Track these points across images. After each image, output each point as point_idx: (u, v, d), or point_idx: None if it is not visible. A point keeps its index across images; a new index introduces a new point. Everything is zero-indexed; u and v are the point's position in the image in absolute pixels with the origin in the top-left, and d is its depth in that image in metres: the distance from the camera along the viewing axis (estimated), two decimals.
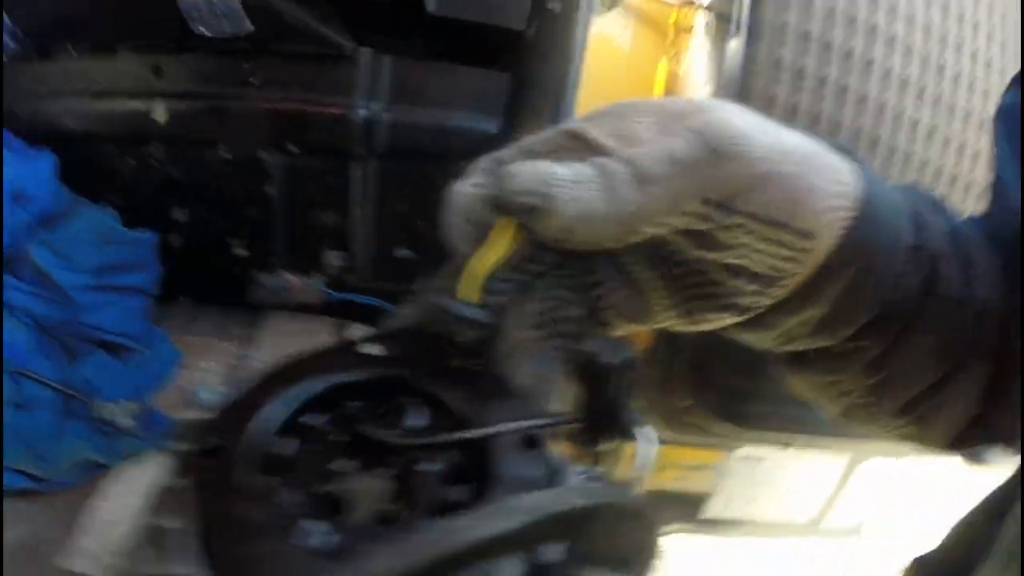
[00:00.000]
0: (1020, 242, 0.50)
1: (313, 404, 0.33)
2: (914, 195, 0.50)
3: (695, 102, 0.41)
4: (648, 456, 0.37)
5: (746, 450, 1.21)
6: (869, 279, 0.44)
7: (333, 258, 1.02)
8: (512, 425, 0.34)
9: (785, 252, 0.40)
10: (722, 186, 0.38)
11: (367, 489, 0.30)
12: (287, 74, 0.78)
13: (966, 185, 1.13)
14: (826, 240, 0.40)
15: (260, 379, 0.34)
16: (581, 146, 0.39)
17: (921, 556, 0.77)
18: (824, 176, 0.41)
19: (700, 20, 1.05)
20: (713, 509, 1.29)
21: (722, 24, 1.02)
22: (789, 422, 1.03)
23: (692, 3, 1.04)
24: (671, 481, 1.22)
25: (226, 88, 0.78)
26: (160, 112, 0.79)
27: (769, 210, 0.39)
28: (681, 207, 0.38)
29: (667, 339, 1.03)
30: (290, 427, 0.32)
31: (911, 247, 0.47)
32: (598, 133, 0.39)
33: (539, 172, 0.37)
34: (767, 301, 0.41)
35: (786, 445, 1.16)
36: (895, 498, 1.56)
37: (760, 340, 0.47)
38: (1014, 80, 0.57)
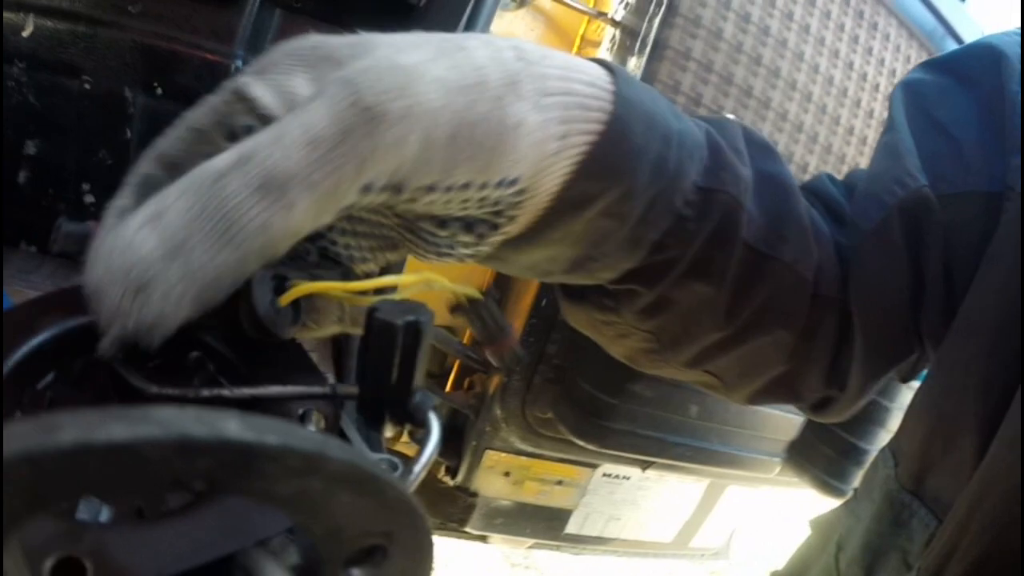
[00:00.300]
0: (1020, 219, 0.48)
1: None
2: (727, 132, 0.47)
3: (358, 37, 0.32)
4: (429, 445, 0.33)
5: (608, 468, 1.20)
6: (623, 221, 0.42)
7: None
8: (273, 390, 0.31)
9: (491, 207, 0.35)
10: (383, 165, 0.30)
11: None
12: (168, 10, 0.73)
13: None
14: (546, 182, 0.35)
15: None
16: (246, 109, 0.30)
17: (775, 572, 0.78)
18: (538, 102, 0.34)
19: (608, 35, 1.04)
20: (574, 524, 1.28)
21: (627, 41, 1.01)
22: (648, 444, 1.03)
23: (605, 15, 1.03)
24: (533, 495, 1.20)
25: (101, 12, 0.72)
26: (28, 27, 0.73)
27: (453, 175, 0.32)
28: (334, 206, 0.30)
29: (530, 349, 1.02)
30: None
31: (697, 188, 0.45)
32: (263, 91, 0.30)
33: (119, 263, 0.26)
34: (487, 249, 0.37)
35: (645, 467, 1.16)
36: (759, 522, 1.60)
37: (510, 271, 0.44)
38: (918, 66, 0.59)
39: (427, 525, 0.25)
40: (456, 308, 0.46)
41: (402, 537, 0.25)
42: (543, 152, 0.34)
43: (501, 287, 1.09)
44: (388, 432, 0.34)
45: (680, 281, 0.48)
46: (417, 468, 0.31)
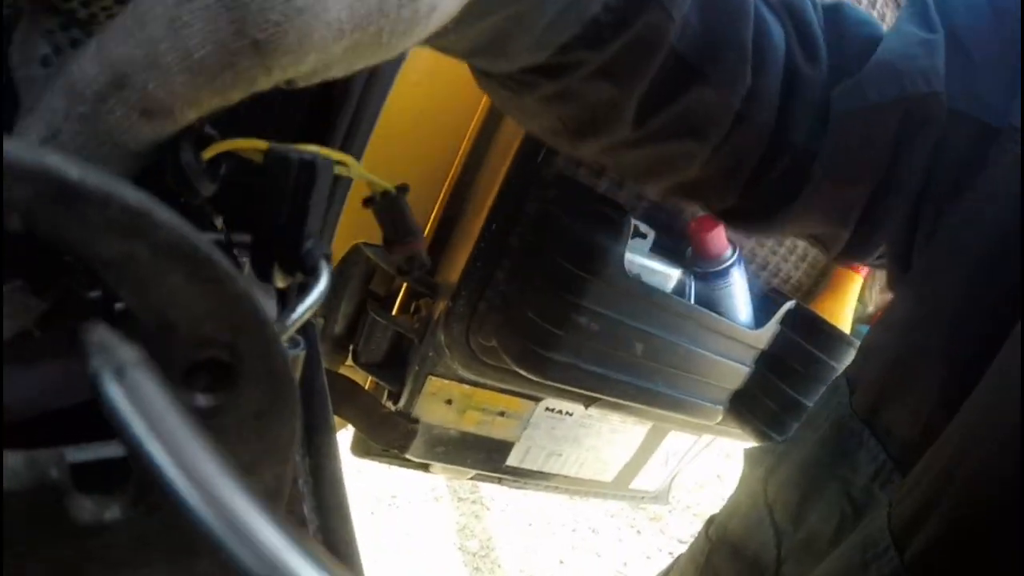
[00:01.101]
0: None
1: None
2: None
3: None
4: (314, 290, 0.31)
5: (551, 402, 1.19)
6: (528, 27, 0.41)
7: None
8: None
9: None
10: (275, 79, 0.29)
11: None
12: None
13: None
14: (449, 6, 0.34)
15: None
16: None
17: (714, 515, 0.78)
18: None
19: None
20: (515, 457, 1.27)
21: None
22: (590, 379, 1.02)
23: None
24: (475, 424, 1.19)
25: None
26: None
27: (356, 64, 0.32)
28: (228, 101, 0.29)
29: (477, 275, 0.99)
30: None
31: None
32: None
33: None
34: None
35: (588, 404, 1.15)
36: (698, 471, 1.61)
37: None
38: None
39: (283, 352, 0.22)
40: (367, 201, 0.44)
41: (251, 359, 0.22)
42: None
43: (452, 206, 1.06)
44: (280, 282, 0.33)
45: (587, 80, 0.47)
46: (299, 309, 0.29)
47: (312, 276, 0.31)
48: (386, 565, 1.97)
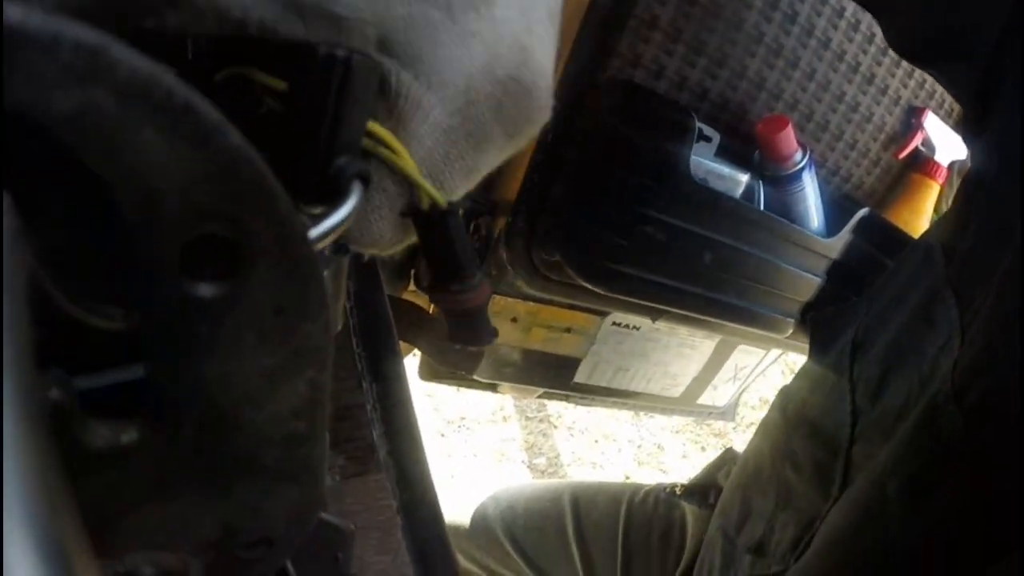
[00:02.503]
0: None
1: None
2: None
3: None
4: (342, 208, 0.25)
5: (618, 317, 1.14)
6: None
7: None
8: None
9: None
10: None
11: None
12: None
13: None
14: None
15: None
16: None
17: (786, 388, 0.83)
18: None
19: None
20: (583, 374, 1.24)
21: None
22: (657, 290, 0.97)
23: None
24: (541, 342, 1.15)
25: None
26: None
27: None
28: None
29: (535, 189, 0.95)
30: None
31: None
32: None
33: None
34: None
35: (655, 317, 1.10)
36: (764, 385, 1.57)
37: None
38: None
39: (301, 228, 0.18)
40: (411, 213, 0.33)
41: (261, 237, 0.18)
42: None
43: None
44: (315, 209, 0.26)
45: None
46: (323, 226, 0.24)
47: (339, 200, 0.25)
48: (457, 485, 1.98)
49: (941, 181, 1.18)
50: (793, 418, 0.77)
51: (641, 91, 0.92)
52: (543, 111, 0.34)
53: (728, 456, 1.02)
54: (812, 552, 0.67)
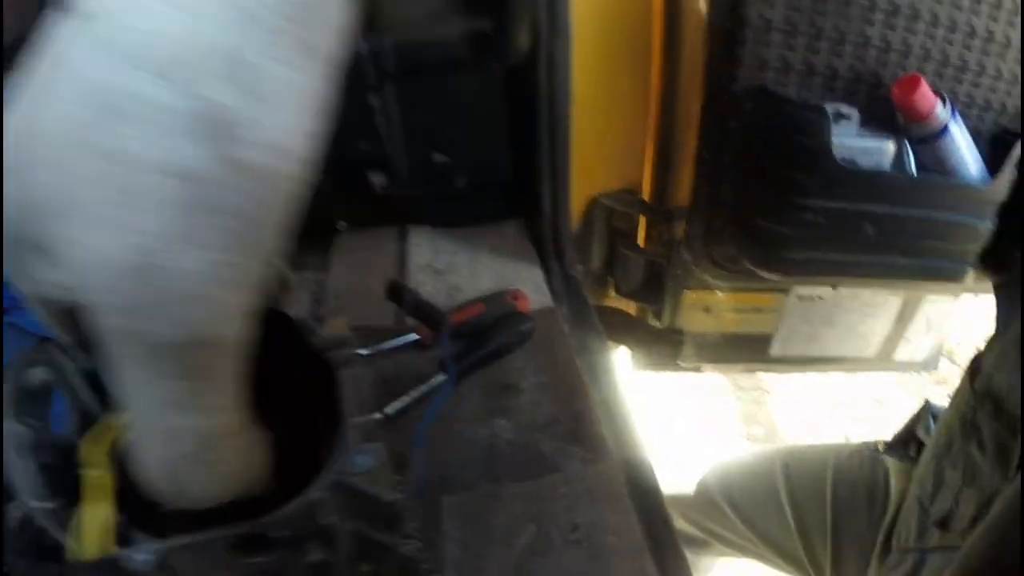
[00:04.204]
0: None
1: None
2: None
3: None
4: None
5: (801, 290, 1.23)
6: None
7: (377, 177, 1.06)
8: None
9: None
10: None
11: None
12: None
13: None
14: None
15: None
16: None
17: (978, 358, 0.80)
18: None
19: None
20: (777, 347, 1.33)
21: None
22: (829, 267, 1.04)
23: None
24: (734, 325, 1.26)
25: None
26: None
27: None
28: None
29: (704, 195, 1.06)
30: None
31: None
32: None
33: None
34: None
35: (835, 286, 1.18)
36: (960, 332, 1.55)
37: None
38: None
39: None
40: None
41: None
42: None
43: (663, 140, 1.12)
44: None
45: None
46: None
47: None
48: (679, 458, 2.06)
49: None
50: (980, 392, 0.75)
51: (771, 94, 0.99)
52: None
53: (926, 410, 1.02)
54: (981, 528, 0.67)
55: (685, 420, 2.31)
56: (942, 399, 0.99)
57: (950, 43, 1.03)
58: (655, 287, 1.24)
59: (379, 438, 0.36)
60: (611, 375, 0.89)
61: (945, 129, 0.99)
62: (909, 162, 1.02)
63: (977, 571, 0.65)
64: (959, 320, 1.51)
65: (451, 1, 0.85)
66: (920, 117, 0.98)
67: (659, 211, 1.16)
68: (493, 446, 0.82)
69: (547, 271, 1.03)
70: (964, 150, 1.02)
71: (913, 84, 0.97)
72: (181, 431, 0.24)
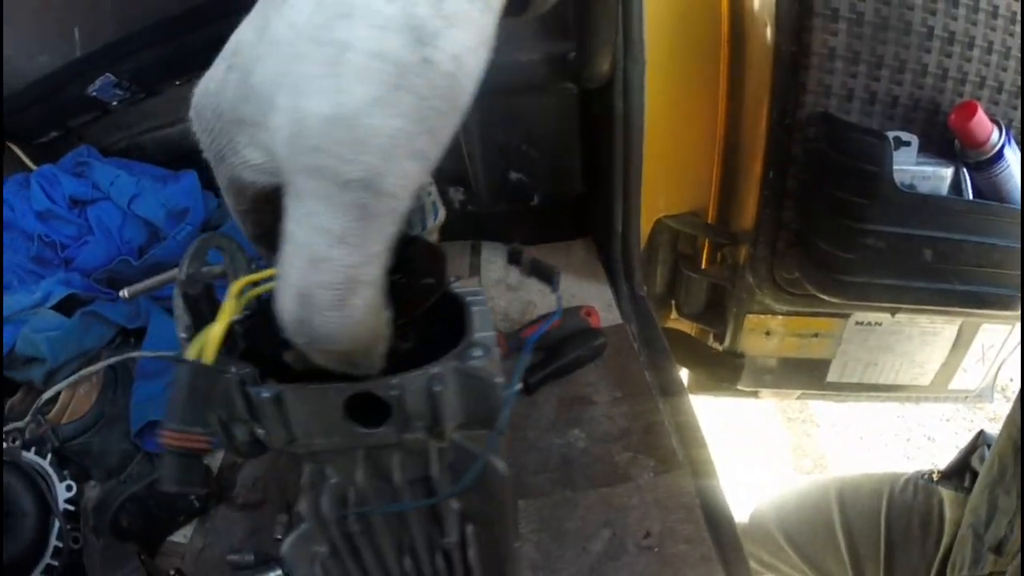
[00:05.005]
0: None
1: None
2: None
3: (229, 72, 0.30)
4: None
5: (860, 316, 1.25)
6: None
7: (456, 194, 1.11)
8: None
9: None
10: (406, 201, 0.28)
11: None
12: None
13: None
14: None
15: None
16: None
17: None
18: None
19: None
20: (835, 373, 1.34)
21: None
22: (888, 291, 1.06)
23: None
24: (794, 349, 1.28)
25: None
26: None
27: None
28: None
29: (768, 220, 1.09)
30: None
31: None
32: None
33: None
34: None
35: (893, 312, 1.19)
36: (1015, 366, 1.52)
37: None
38: None
39: None
40: None
41: None
42: None
43: (728, 164, 1.15)
44: None
45: None
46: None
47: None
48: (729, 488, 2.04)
49: None
50: None
51: (834, 120, 1.02)
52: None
53: (981, 440, 0.98)
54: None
55: (735, 448, 2.29)
56: (996, 430, 0.97)
57: (1004, 69, 1.05)
58: (717, 309, 1.27)
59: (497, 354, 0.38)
60: (681, 392, 0.92)
61: (1000, 154, 1.00)
62: (966, 188, 1.03)
63: None
64: (1014, 352, 1.49)
65: (534, 26, 0.90)
66: (977, 143, 1.00)
67: (723, 233, 1.19)
68: (567, 455, 0.86)
69: (616, 290, 1.06)
70: (1019, 176, 1.03)
71: (970, 111, 0.98)
72: (333, 261, 0.27)
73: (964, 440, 1.02)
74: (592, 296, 1.06)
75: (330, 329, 0.28)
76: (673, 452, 0.84)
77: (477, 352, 0.36)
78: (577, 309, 1.00)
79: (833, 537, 1.07)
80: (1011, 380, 2.38)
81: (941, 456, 2.34)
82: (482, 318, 0.39)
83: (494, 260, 1.15)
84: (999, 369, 1.53)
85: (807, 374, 1.34)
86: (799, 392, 1.40)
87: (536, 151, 1.06)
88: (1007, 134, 1.00)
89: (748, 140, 1.11)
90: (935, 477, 1.01)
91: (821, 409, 2.47)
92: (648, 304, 1.06)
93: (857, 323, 1.26)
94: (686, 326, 1.35)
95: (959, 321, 1.35)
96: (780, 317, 1.22)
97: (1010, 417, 0.81)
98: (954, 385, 1.49)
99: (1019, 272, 1.09)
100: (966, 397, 1.57)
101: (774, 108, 1.03)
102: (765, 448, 2.36)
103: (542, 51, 0.95)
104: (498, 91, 1.00)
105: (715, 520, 0.76)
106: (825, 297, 1.07)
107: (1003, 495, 0.77)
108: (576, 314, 0.99)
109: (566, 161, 1.07)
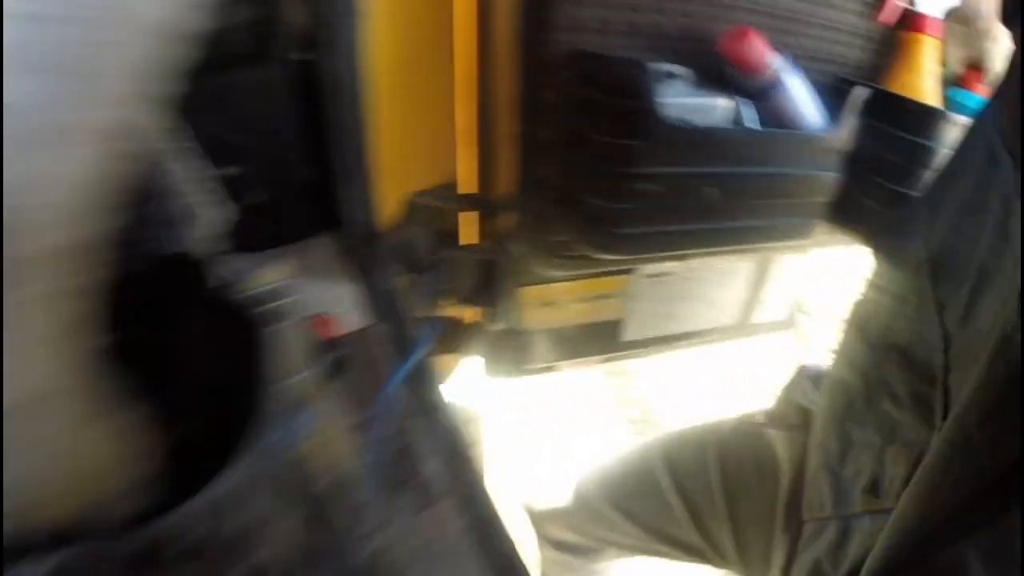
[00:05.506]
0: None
1: None
2: None
3: None
4: None
5: (649, 269, 1.11)
6: None
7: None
8: None
9: None
10: None
11: None
12: None
13: None
14: None
15: None
16: None
17: (852, 315, 0.77)
18: None
19: None
20: (632, 331, 1.21)
21: None
22: (671, 239, 0.93)
23: None
24: (580, 315, 1.13)
25: None
26: None
27: None
28: None
29: (528, 180, 0.93)
30: None
31: None
32: None
33: None
34: None
35: (683, 259, 1.06)
36: (817, 289, 1.50)
37: None
38: None
39: None
40: None
41: None
42: None
43: (485, 125, 0.97)
44: None
45: None
46: None
47: None
48: (553, 462, 1.94)
49: (936, 34, 1.08)
50: (879, 345, 0.72)
51: (586, 56, 0.87)
52: None
53: (801, 374, 0.97)
54: (912, 483, 0.62)
55: (558, 416, 2.19)
56: (811, 359, 0.98)
57: None
58: (489, 288, 1.08)
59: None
60: (436, 399, 0.74)
61: (779, 81, 0.93)
62: (749, 118, 0.93)
63: (911, 530, 0.60)
64: (810, 274, 1.44)
65: None
66: (751, 69, 0.91)
67: (480, 203, 1.00)
68: None
69: (366, 286, 0.87)
70: (802, 102, 0.95)
71: (742, 35, 0.90)
72: None
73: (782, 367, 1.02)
74: (340, 299, 0.86)
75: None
76: (431, 481, 0.66)
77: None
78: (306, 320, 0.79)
79: (667, 501, 1.02)
80: (809, 298, 2.42)
81: (765, 388, 2.34)
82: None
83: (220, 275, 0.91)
84: (797, 295, 1.49)
85: (601, 339, 1.20)
86: (598, 359, 1.25)
87: (246, 137, 0.84)
88: (786, 59, 0.93)
89: (500, 93, 0.93)
90: (761, 419, 0.99)
91: (637, 362, 2.40)
92: (396, 298, 0.85)
93: (647, 276, 1.13)
94: (468, 312, 1.16)
95: (754, 256, 1.27)
96: (558, 285, 1.05)
97: (845, 348, 0.79)
98: (759, 319, 1.42)
99: (811, 199, 1.02)
100: (771, 328, 1.51)
101: (521, 53, 0.87)
102: (590, 407, 2.26)
103: (236, 15, 0.77)
104: (198, 72, 0.80)
105: (498, 557, 0.61)
106: (605, 257, 0.91)
107: (857, 429, 0.74)
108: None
109: (282, 145, 0.87)
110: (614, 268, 1.06)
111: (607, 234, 0.87)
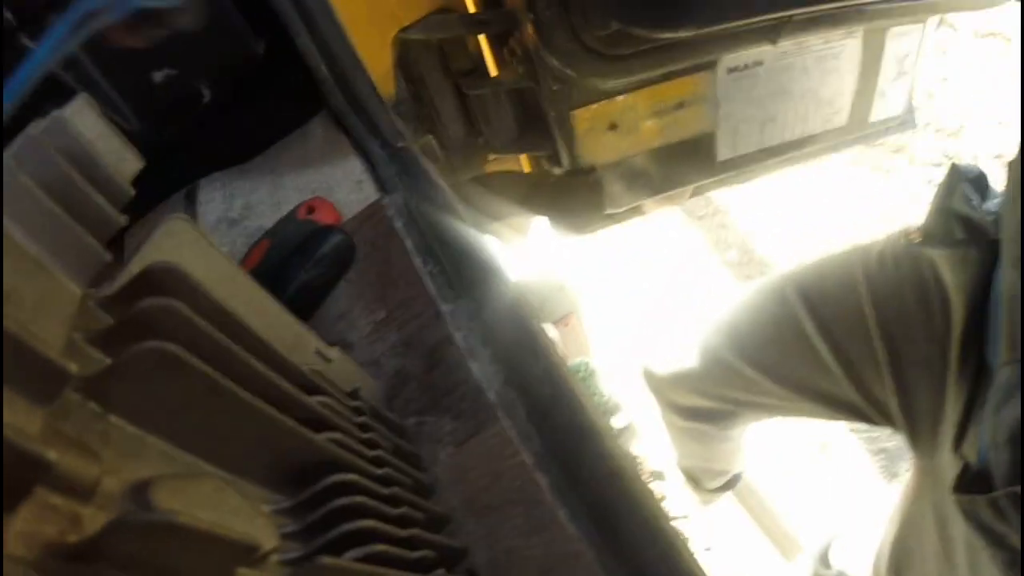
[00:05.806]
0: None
1: None
2: None
3: None
4: None
5: (730, 61, 0.88)
6: None
7: None
8: None
9: None
10: None
11: None
12: None
13: None
14: None
15: None
16: None
17: None
18: None
19: None
20: (725, 148, 0.99)
21: None
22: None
23: None
24: (657, 135, 0.91)
25: None
26: None
27: None
28: None
29: None
30: None
31: None
32: None
33: None
34: None
35: (773, 39, 0.82)
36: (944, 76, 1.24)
37: None
38: None
39: None
40: None
41: None
42: None
43: None
44: None
45: None
46: None
47: None
48: (655, 325, 1.76)
49: None
50: None
51: None
52: None
53: (955, 176, 0.78)
54: None
55: (652, 270, 1.99)
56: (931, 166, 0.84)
57: None
58: (537, 125, 0.87)
59: None
60: (490, 270, 0.56)
61: None
62: None
63: None
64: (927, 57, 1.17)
65: None
66: None
67: (492, 17, 0.78)
68: None
69: (369, 155, 0.70)
70: None
71: None
72: None
73: (876, 180, 0.94)
74: (335, 180, 0.71)
75: None
76: (480, 391, 0.50)
77: None
78: (293, 212, 0.66)
79: (811, 348, 0.89)
80: (930, 96, 2.09)
81: (859, 202, 2.07)
82: None
83: (212, 199, 0.77)
84: (914, 86, 1.22)
85: (690, 161, 0.98)
86: (690, 188, 1.05)
87: (176, 22, 0.63)
88: None
89: None
90: (916, 239, 0.83)
91: (724, 198, 2.15)
92: (415, 156, 0.67)
93: (730, 70, 0.90)
94: (512, 164, 0.96)
95: (860, 32, 1.02)
96: (620, 99, 0.83)
97: None
98: (875, 116, 1.18)
99: None
100: (890, 128, 1.26)
101: None
102: (684, 255, 2.04)
103: None
104: None
105: (592, 495, 0.43)
106: (667, 35, 0.70)
107: None
108: (292, 220, 0.65)
109: (219, 17, 0.66)
110: (683, 61, 0.84)
111: (667, 4, 0.65)
